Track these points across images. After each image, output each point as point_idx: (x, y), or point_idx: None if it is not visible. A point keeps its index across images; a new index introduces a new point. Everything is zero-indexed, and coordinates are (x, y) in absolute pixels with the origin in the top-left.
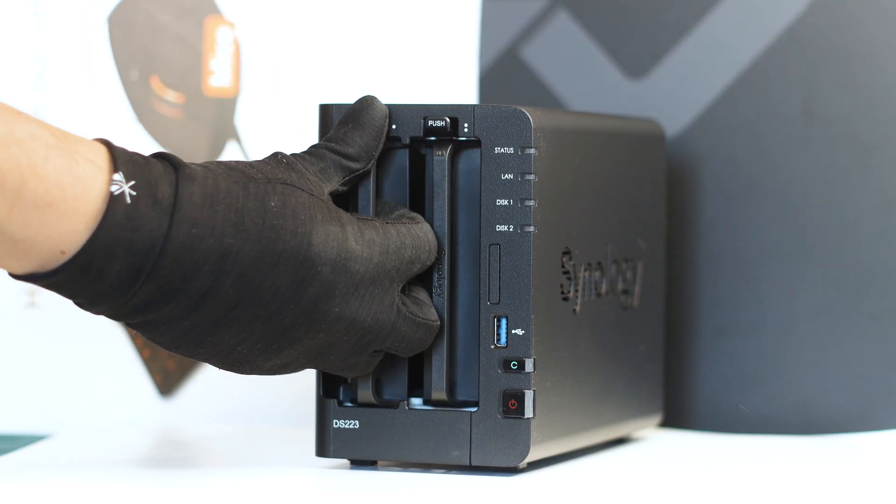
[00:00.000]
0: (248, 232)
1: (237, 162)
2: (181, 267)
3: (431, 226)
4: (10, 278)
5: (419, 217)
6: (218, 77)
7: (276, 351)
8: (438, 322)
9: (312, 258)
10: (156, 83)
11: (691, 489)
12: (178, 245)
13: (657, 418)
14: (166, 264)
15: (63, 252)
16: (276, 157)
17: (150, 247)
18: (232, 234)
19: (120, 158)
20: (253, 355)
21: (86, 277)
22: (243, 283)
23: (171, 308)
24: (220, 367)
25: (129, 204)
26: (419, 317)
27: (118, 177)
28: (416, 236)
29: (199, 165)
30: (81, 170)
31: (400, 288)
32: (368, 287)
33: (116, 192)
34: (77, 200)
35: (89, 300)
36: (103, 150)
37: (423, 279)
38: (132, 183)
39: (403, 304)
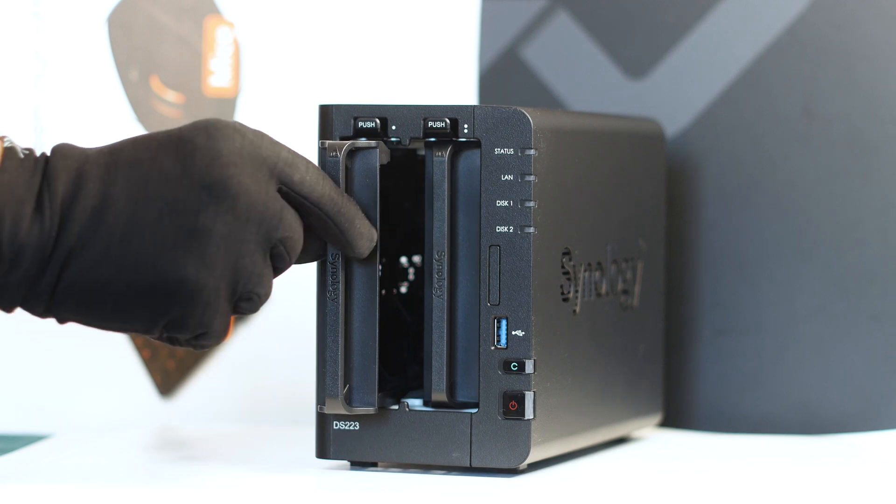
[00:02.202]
0: (119, 146)
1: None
2: (69, 188)
3: (431, 227)
4: None
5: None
6: (218, 77)
7: (198, 249)
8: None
9: (185, 136)
10: (156, 83)
11: (691, 489)
12: (59, 170)
13: (657, 418)
14: (57, 188)
15: None
16: None
17: (36, 175)
18: (108, 152)
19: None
20: (178, 265)
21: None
22: (131, 183)
23: (77, 232)
24: (159, 301)
25: (21, 158)
26: (309, 199)
27: (7, 137)
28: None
29: None
30: None
31: (277, 184)
32: (251, 161)
33: (8, 145)
34: None
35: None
36: None
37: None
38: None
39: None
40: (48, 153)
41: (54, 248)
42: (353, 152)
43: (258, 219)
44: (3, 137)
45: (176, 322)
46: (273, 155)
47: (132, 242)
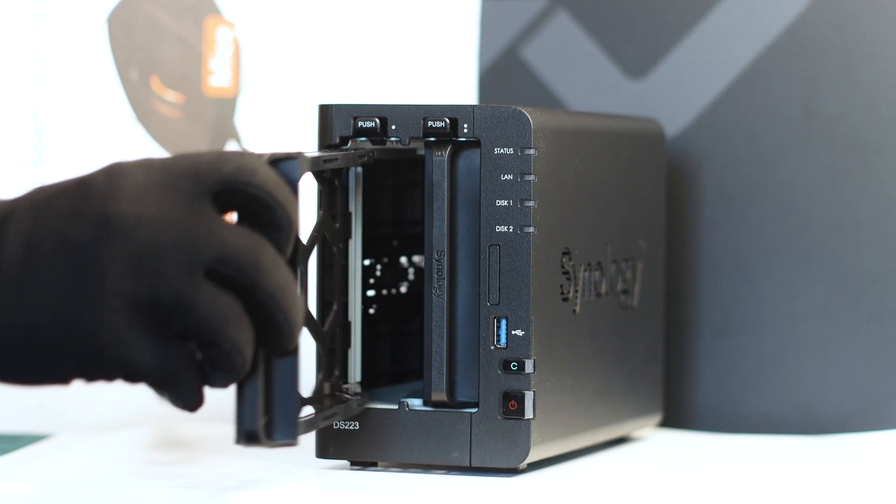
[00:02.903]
0: (21, 197)
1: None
2: None
3: (431, 227)
4: None
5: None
6: (218, 77)
7: (94, 283)
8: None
9: (85, 180)
10: (156, 83)
11: (691, 489)
12: None
13: (657, 418)
14: None
15: None
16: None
17: None
18: (9, 203)
19: None
20: (73, 296)
21: None
22: (24, 227)
23: None
24: (63, 345)
25: None
26: (252, 186)
27: None
28: (225, 155)
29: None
30: None
31: (210, 192)
32: (160, 188)
33: None
34: None
35: None
36: None
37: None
38: None
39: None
40: None
41: None
42: (273, 163)
43: (171, 245)
44: None
45: (89, 363)
46: (190, 166)
47: (27, 286)
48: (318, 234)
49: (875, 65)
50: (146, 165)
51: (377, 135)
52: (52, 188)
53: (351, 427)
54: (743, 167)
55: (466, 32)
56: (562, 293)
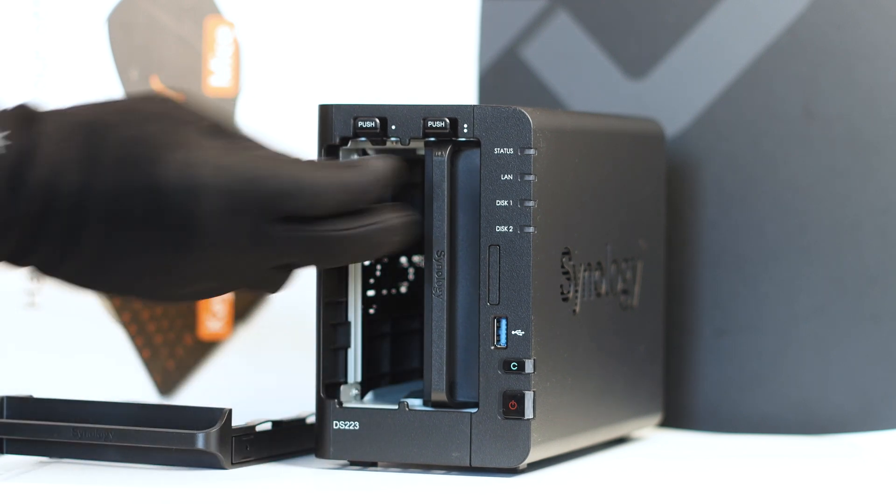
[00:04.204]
0: (94, 165)
1: (108, 101)
2: (39, 208)
3: (431, 226)
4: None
5: (364, 161)
6: (218, 77)
7: (176, 280)
8: (343, 230)
9: (160, 188)
10: (156, 83)
11: (691, 489)
12: (33, 187)
13: (657, 418)
14: (26, 208)
15: None
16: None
17: (17, 191)
18: (78, 171)
19: (4, 115)
20: (157, 286)
21: None
22: (105, 216)
23: (48, 253)
24: (143, 300)
25: (3, 154)
26: (300, 232)
27: None
28: (298, 175)
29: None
30: None
31: (274, 217)
32: (229, 216)
33: None
34: None
35: None
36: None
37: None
38: (6, 133)
39: (284, 224)
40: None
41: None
42: None
43: (236, 259)
44: None
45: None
46: (259, 197)
47: (108, 265)
48: None
49: (875, 65)
50: (219, 189)
51: (377, 135)
52: (120, 153)
53: (351, 427)
54: (743, 167)
55: (466, 32)
56: (562, 293)
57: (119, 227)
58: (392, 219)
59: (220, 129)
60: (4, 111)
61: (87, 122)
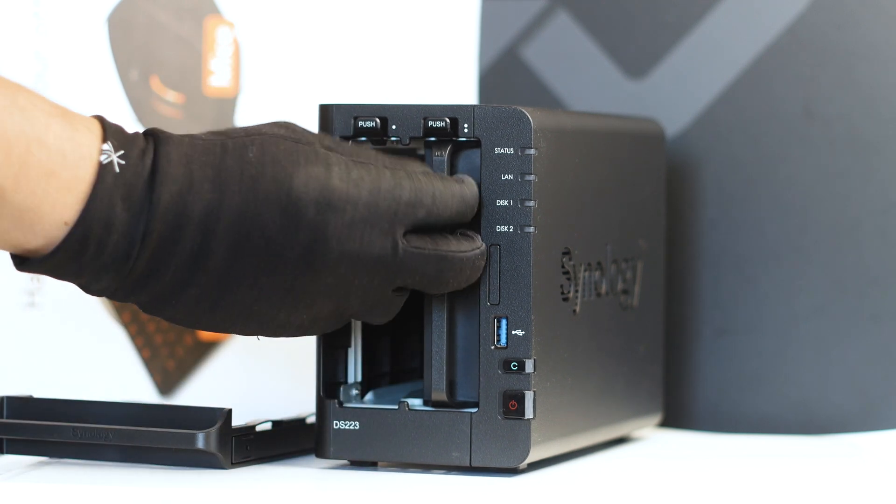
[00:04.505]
0: (226, 184)
1: (229, 129)
2: (168, 227)
3: None
4: (15, 272)
5: (460, 178)
6: (218, 77)
7: (295, 303)
8: (461, 252)
9: (294, 202)
10: (156, 83)
11: (691, 489)
12: (162, 206)
13: (657, 418)
14: (154, 227)
15: (66, 223)
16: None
17: (139, 211)
18: (211, 189)
19: (109, 129)
20: (274, 311)
21: (86, 252)
22: (232, 236)
23: (172, 275)
24: (251, 333)
25: (117, 173)
26: (428, 248)
27: (106, 146)
28: (421, 185)
29: (183, 135)
30: (81, 137)
31: (405, 229)
32: (363, 227)
33: (105, 161)
34: (77, 168)
35: (93, 276)
36: (96, 122)
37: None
38: (121, 153)
39: (410, 239)
40: (155, 155)
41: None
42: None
43: (366, 275)
44: (103, 143)
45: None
46: (391, 208)
47: (228, 289)
48: None
49: (875, 65)
50: (351, 200)
51: (377, 135)
52: (254, 189)
53: (351, 427)
54: (743, 167)
55: (466, 32)
56: (562, 293)
57: (246, 247)
58: (482, 245)
59: (338, 145)
60: (120, 130)
61: (218, 143)
